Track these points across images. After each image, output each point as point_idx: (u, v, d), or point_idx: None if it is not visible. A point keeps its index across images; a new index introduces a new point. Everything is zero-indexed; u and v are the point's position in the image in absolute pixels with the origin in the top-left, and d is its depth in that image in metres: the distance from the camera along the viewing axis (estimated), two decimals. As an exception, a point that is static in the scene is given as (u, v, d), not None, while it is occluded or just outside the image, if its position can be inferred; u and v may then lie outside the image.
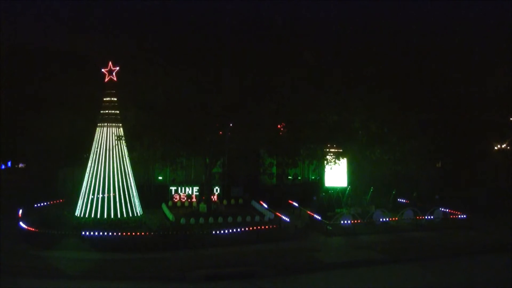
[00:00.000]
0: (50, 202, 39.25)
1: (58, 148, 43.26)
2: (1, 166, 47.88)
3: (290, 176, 50.65)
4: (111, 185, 33.60)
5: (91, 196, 33.24)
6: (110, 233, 29.10)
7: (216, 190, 41.93)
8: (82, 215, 33.28)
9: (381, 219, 36.37)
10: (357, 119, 40.36)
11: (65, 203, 38.97)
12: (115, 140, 34.66)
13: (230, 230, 32.43)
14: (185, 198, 41.54)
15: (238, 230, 32.73)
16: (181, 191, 41.73)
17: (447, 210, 38.38)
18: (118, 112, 35.15)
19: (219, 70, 38.00)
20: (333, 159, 42.90)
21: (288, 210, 39.41)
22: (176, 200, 41.37)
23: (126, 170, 34.92)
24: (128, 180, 34.76)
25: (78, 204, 34.05)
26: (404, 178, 45.56)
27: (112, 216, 33.13)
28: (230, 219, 35.21)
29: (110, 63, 34.41)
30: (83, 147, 45.15)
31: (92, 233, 29.01)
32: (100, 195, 33.20)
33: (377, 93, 39.35)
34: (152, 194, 42.23)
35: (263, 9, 42.38)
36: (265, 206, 39.69)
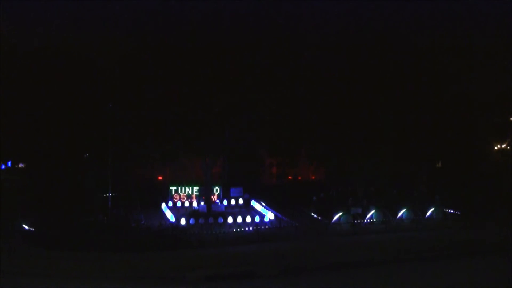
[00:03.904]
0: None
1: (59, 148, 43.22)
2: (1, 166, 47.82)
3: (290, 176, 50.70)
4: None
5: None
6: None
7: (216, 190, 41.92)
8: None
9: (381, 219, 36.36)
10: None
11: None
12: None
13: (230, 230, 32.50)
14: (185, 198, 41.53)
15: (238, 230, 32.79)
16: (181, 191, 41.72)
17: (447, 210, 38.34)
18: None
19: (219, 70, 38.02)
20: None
21: (288, 210, 39.40)
22: (176, 200, 41.37)
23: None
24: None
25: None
26: (404, 178, 45.58)
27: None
28: (230, 219, 35.22)
29: None
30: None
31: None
32: None
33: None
34: (152, 194, 42.25)
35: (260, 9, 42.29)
36: (265, 206, 39.68)
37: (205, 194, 40.56)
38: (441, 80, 44.65)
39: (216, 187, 42.22)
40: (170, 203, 40.91)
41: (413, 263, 26.76)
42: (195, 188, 41.84)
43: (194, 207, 40.24)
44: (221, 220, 35.14)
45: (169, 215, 36.75)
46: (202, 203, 39.77)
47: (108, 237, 29.64)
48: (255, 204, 41.14)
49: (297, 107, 42.40)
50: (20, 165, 49.28)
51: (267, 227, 34.59)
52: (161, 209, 39.70)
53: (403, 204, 37.93)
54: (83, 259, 26.10)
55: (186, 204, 41.27)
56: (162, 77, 38.10)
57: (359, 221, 35.71)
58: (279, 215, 36.96)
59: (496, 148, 51.39)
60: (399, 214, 36.86)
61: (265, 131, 41.59)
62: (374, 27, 45.11)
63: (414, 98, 42.74)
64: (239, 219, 35.12)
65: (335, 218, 35.35)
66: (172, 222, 34.89)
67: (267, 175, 50.04)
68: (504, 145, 51.12)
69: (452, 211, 38.57)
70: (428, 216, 37.33)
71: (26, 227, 31.21)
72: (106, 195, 37.40)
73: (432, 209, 37.85)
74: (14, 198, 39.21)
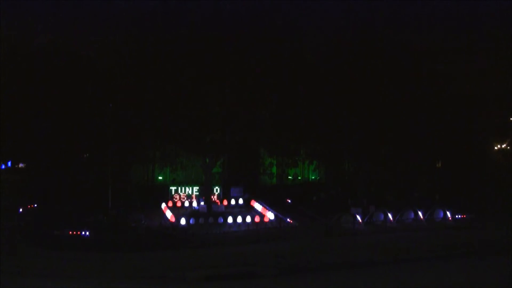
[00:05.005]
0: None
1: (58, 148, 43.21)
2: (1, 166, 47.84)
3: (290, 176, 50.65)
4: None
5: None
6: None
7: (216, 190, 41.90)
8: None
9: (381, 219, 36.35)
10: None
11: None
12: None
13: (230, 230, 32.49)
14: (185, 198, 41.50)
15: (238, 230, 32.80)
16: (181, 191, 41.68)
17: (447, 210, 38.35)
18: None
19: (219, 70, 38.02)
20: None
21: (288, 210, 39.41)
22: (176, 200, 41.33)
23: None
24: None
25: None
26: (404, 178, 45.58)
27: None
28: (230, 219, 35.20)
29: None
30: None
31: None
32: None
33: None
34: (152, 194, 42.22)
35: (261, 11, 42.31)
36: (265, 206, 39.66)
37: (205, 194, 40.54)
38: (441, 80, 44.65)
39: (216, 187, 42.19)
40: (170, 203, 40.86)
41: (413, 263, 26.73)
42: (195, 188, 41.82)
43: (194, 207, 40.21)
44: (221, 220, 35.12)
45: (169, 215, 36.73)
46: (202, 203, 39.73)
47: (108, 237, 29.63)
48: (255, 204, 41.13)
49: (297, 107, 42.40)
50: (20, 165, 49.30)
51: (267, 227, 34.58)
52: (161, 209, 39.68)
53: (403, 204, 37.91)
54: (83, 259, 26.09)
55: (186, 204, 41.23)
56: (162, 77, 38.08)
57: (359, 221, 35.68)
58: (279, 215, 36.94)
59: (496, 148, 51.39)
60: (399, 214, 36.84)
61: (265, 131, 41.61)
62: (374, 27, 45.12)
63: (414, 99, 42.73)
64: (239, 219, 35.11)
65: (335, 218, 35.34)
66: (172, 222, 34.87)
67: (267, 175, 49.98)
68: (504, 145, 51.12)
69: (452, 211, 38.53)
70: (427, 216, 37.30)
71: (26, 226, 31.18)
72: (106, 195, 37.38)
73: (432, 209, 37.84)
74: (14, 198, 39.22)
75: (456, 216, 37.81)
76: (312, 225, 35.64)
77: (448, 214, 37.97)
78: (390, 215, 36.52)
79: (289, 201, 41.24)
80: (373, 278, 24.13)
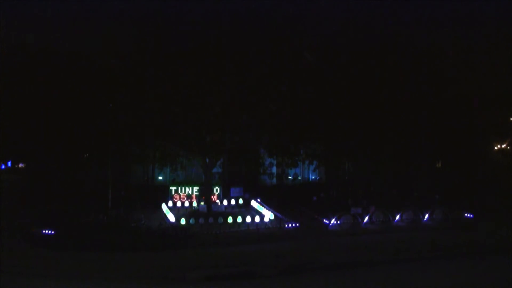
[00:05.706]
0: None
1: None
2: (1, 166, 47.85)
3: (290, 176, 50.66)
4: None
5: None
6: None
7: (216, 190, 41.91)
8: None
9: (381, 219, 36.37)
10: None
11: None
12: None
13: (230, 230, 32.47)
14: (185, 198, 41.49)
15: (238, 230, 32.78)
16: (181, 191, 41.67)
17: (447, 210, 38.35)
18: None
19: (219, 70, 38.04)
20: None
21: (288, 210, 39.41)
22: (176, 200, 41.33)
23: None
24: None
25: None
26: (404, 178, 45.59)
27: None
28: (230, 219, 35.21)
29: None
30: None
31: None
32: None
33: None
34: (152, 194, 42.22)
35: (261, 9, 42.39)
36: (265, 206, 39.68)
37: (205, 194, 40.56)
38: (441, 80, 44.69)
39: (216, 187, 42.20)
40: (170, 203, 40.87)
41: (413, 263, 26.72)
42: (195, 188, 41.82)
43: (194, 207, 40.22)
44: (221, 220, 35.11)
45: (169, 215, 36.74)
46: (202, 203, 39.74)
47: (108, 237, 29.62)
48: (255, 204, 41.14)
49: (297, 107, 42.43)
50: (20, 165, 49.32)
51: (267, 227, 34.59)
52: (161, 209, 39.68)
53: (403, 204, 37.91)
54: (83, 259, 26.09)
55: (186, 204, 41.23)
56: (162, 77, 38.10)
57: (359, 221, 35.71)
58: (279, 215, 36.95)
59: (496, 148, 51.41)
60: (399, 214, 36.86)
61: (265, 131, 41.62)
62: (374, 27, 45.17)
63: (414, 98, 42.77)
64: (239, 219, 35.12)
65: (335, 218, 35.37)
66: (172, 222, 34.87)
67: (267, 175, 49.99)
68: (504, 145, 51.15)
69: (452, 211, 38.54)
70: (428, 216, 37.31)
71: (26, 227, 31.17)
72: (106, 195, 37.38)
73: (432, 209, 37.86)
74: (14, 198, 39.22)
75: (456, 216, 37.80)
76: (312, 225, 35.67)
77: (448, 214, 37.97)
78: (390, 215, 36.55)
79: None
80: (373, 278, 24.12)
